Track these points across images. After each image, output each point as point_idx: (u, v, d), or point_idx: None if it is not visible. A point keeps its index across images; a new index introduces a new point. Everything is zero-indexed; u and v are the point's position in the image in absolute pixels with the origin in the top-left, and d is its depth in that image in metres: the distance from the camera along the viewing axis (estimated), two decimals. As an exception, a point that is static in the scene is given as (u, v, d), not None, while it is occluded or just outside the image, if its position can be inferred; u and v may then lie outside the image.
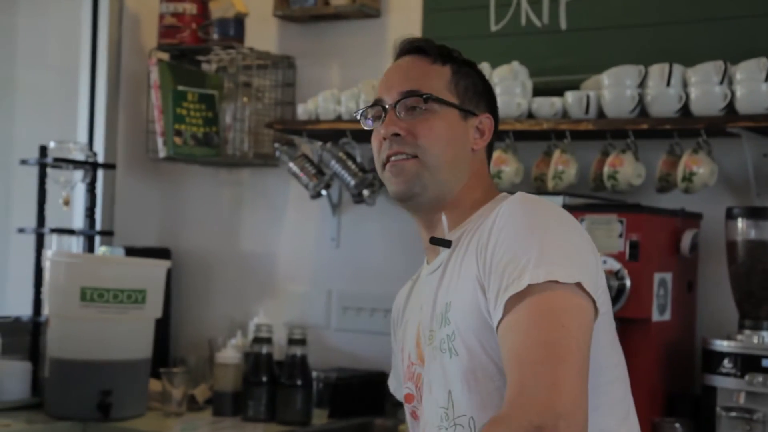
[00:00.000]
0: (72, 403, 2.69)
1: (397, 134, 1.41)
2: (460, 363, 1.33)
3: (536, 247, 1.24)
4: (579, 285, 1.22)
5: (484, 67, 2.74)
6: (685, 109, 2.46)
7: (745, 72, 2.37)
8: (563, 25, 2.80)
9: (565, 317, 1.20)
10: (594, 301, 1.24)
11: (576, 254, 1.26)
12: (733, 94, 2.39)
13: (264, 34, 3.25)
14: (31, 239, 3.02)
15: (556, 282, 1.21)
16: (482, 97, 1.47)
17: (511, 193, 1.40)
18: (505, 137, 2.72)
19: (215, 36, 3.13)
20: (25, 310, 3.03)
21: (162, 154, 3.16)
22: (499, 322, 1.24)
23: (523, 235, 1.26)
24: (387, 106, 1.43)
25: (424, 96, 1.40)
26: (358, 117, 1.50)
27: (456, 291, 1.35)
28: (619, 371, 1.37)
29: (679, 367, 2.46)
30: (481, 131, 1.46)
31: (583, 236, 1.32)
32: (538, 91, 2.70)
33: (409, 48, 1.47)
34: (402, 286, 3.18)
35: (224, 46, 3.12)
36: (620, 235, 2.32)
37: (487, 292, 1.28)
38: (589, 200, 2.50)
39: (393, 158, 1.42)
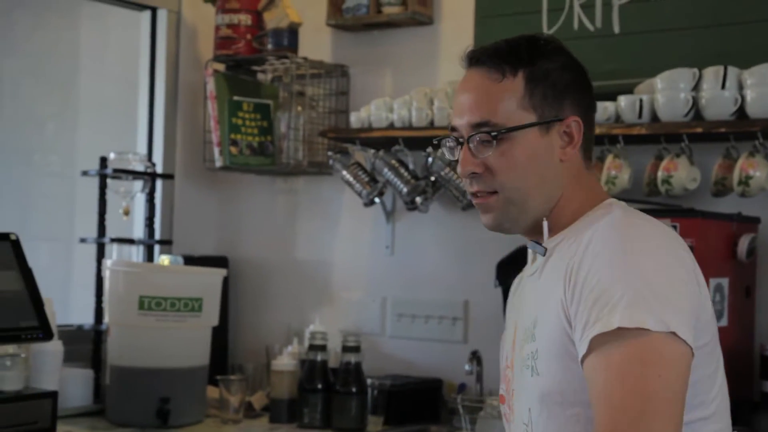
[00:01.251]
0: (132, 410, 2.74)
1: (474, 173, 1.35)
2: (540, 384, 1.30)
3: (631, 285, 1.19)
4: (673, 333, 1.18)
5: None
6: (740, 112, 2.42)
7: (802, 73, 2.33)
8: (616, 28, 2.78)
9: (662, 367, 1.17)
10: (690, 346, 1.20)
11: (673, 294, 1.20)
12: (790, 95, 2.35)
13: (318, 43, 3.28)
14: (92, 249, 3.10)
15: (648, 330, 1.17)
16: (566, 93, 1.35)
17: (624, 199, 1.35)
18: (558, 143, 2.70)
19: (270, 46, 3.17)
20: (87, 319, 3.10)
21: (218, 163, 3.20)
22: (585, 356, 1.20)
23: (617, 268, 1.21)
24: (461, 140, 1.37)
25: (493, 134, 1.33)
26: (439, 145, 1.44)
27: (544, 307, 1.31)
28: (715, 406, 1.31)
29: (736, 374, 2.41)
30: (569, 136, 1.35)
31: (684, 265, 1.26)
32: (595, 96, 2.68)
33: (475, 62, 1.37)
34: (455, 293, 3.18)
35: (278, 56, 3.16)
36: (675, 241, 2.29)
37: (572, 320, 1.24)
38: (643, 205, 2.47)
39: (477, 196, 1.37)
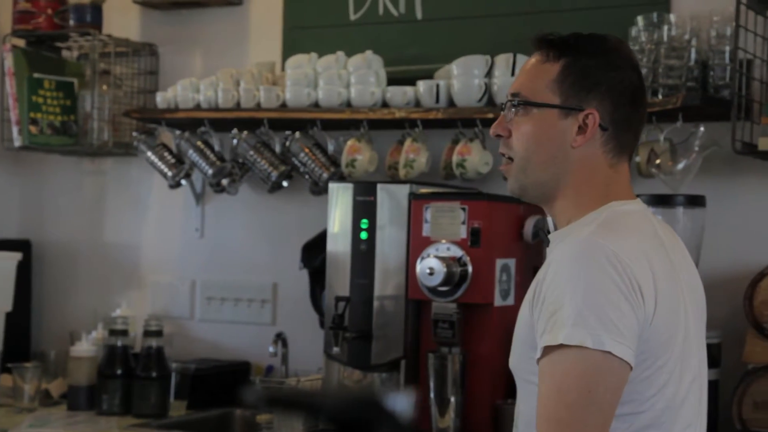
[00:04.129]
0: None
1: (499, 135, 1.47)
2: (511, 359, 1.48)
3: (577, 303, 1.30)
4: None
5: (339, 56, 2.75)
6: (529, 99, 2.50)
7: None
8: (419, 14, 2.83)
9: (595, 383, 1.30)
10: (628, 362, 1.31)
11: (614, 314, 1.31)
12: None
13: (126, 21, 3.20)
14: None
15: (587, 348, 1.29)
16: (596, 89, 1.43)
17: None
18: (360, 126, 2.73)
19: (72, 22, 3.07)
20: None
21: (17, 143, 3.08)
22: (539, 359, 1.34)
23: (569, 285, 1.32)
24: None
25: (515, 102, 1.45)
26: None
27: (529, 293, 1.42)
28: (650, 406, 1.38)
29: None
30: (584, 128, 1.43)
31: (628, 284, 1.32)
32: (396, 81, 2.72)
33: (536, 44, 1.49)
34: (264, 275, 3.17)
35: (81, 32, 3.06)
36: (463, 222, 2.35)
37: (536, 322, 1.36)
38: (437, 188, 2.53)
39: (503, 159, 1.50)
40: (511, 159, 1.46)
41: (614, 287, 1.32)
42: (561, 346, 1.30)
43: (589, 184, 1.45)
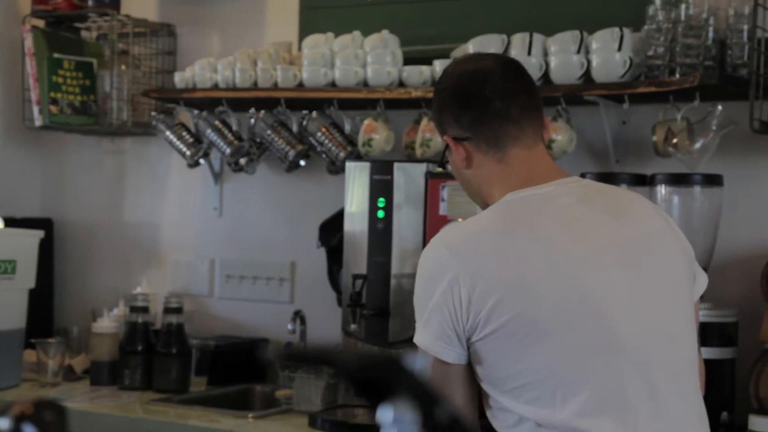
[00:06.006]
0: (-58, 376, 2.66)
1: None
2: None
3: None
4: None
5: (356, 36, 2.76)
6: (545, 78, 2.51)
7: (600, 41, 2.43)
8: (435, -7, 2.83)
9: (432, 375, 1.49)
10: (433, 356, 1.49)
11: (425, 312, 1.49)
12: (589, 62, 2.44)
13: (144, 1, 3.22)
14: None
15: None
16: (443, 116, 1.60)
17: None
18: (377, 105, 2.74)
19: (90, 3, 3.09)
20: None
21: (38, 123, 3.12)
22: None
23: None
24: None
25: (438, 165, 1.80)
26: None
27: None
28: (527, 378, 1.45)
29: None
30: (455, 152, 1.58)
31: (445, 278, 1.46)
32: (412, 60, 2.73)
33: None
34: (282, 254, 3.21)
35: (100, 13, 3.08)
36: (479, 202, 2.37)
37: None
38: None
39: None
40: None
41: (438, 278, 1.50)
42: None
43: (490, 186, 1.56)
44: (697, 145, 2.34)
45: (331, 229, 2.84)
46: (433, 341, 1.48)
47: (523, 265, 1.44)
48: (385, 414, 0.47)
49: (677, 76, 2.35)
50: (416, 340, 1.51)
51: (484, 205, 1.58)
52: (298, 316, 2.88)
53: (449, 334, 1.46)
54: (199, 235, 3.23)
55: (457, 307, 1.44)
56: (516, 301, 1.42)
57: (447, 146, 1.59)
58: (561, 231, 1.47)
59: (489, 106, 1.55)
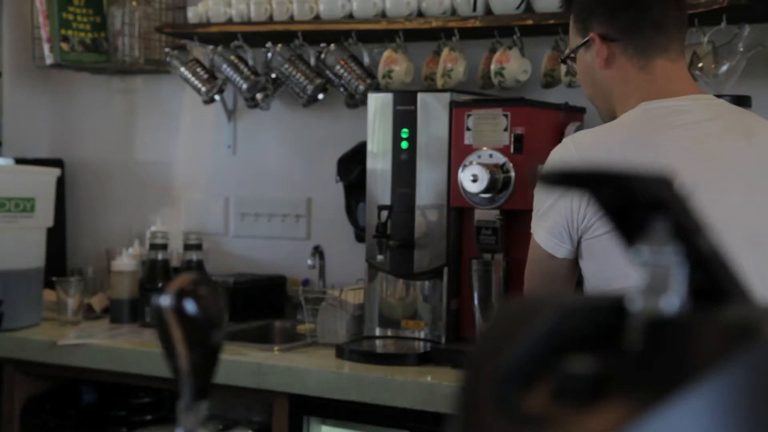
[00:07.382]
0: (-37, 315, 2.65)
1: None
2: None
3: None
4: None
5: (373, -35, 2.72)
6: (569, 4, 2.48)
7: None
8: None
9: (531, 258, 1.71)
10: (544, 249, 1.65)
11: (543, 210, 1.62)
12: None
13: (152, -65, 3.16)
14: None
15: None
16: (591, 15, 1.63)
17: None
18: (396, 37, 2.72)
19: (100, -63, 3.03)
20: None
21: (49, 61, 3.07)
22: None
23: None
24: None
25: (561, 59, 1.80)
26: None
27: None
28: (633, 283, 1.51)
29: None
30: (597, 51, 1.62)
31: (553, 197, 1.58)
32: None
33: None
34: (298, 190, 3.20)
35: (109, -53, 3.03)
36: (505, 129, 2.36)
37: None
38: (477, 96, 2.52)
39: None
40: None
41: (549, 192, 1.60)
42: None
43: (625, 92, 1.61)
44: (723, 69, 2.33)
45: (350, 164, 2.83)
46: (546, 236, 1.60)
47: None
48: (638, 242, 0.45)
49: (704, -1, 2.33)
50: (532, 230, 1.65)
51: (608, 108, 1.64)
52: (317, 251, 2.88)
53: (562, 232, 1.57)
54: (213, 173, 3.21)
55: (574, 209, 1.54)
56: None
57: (584, 43, 1.63)
58: (691, 145, 1.51)
59: (648, 13, 1.60)
